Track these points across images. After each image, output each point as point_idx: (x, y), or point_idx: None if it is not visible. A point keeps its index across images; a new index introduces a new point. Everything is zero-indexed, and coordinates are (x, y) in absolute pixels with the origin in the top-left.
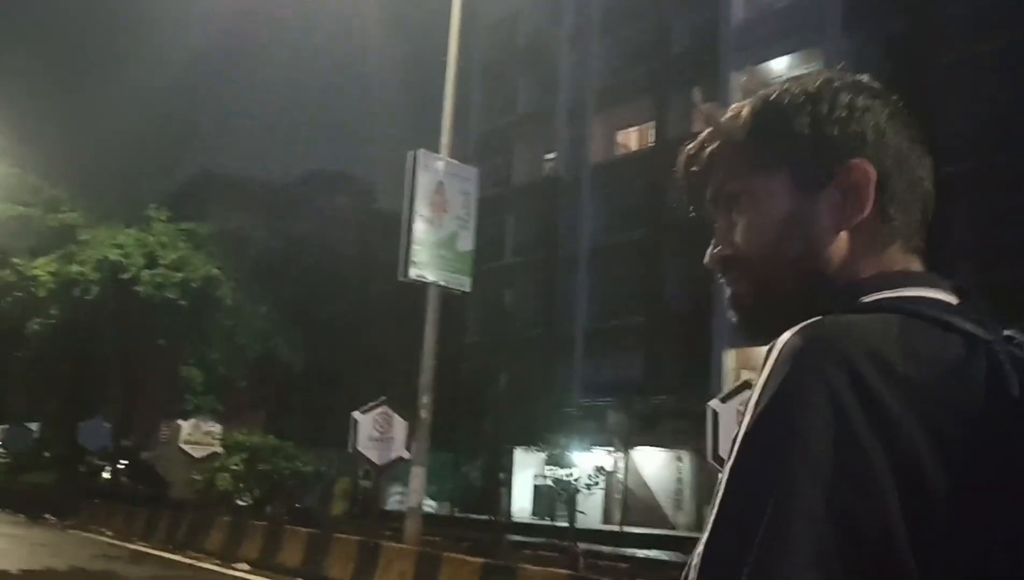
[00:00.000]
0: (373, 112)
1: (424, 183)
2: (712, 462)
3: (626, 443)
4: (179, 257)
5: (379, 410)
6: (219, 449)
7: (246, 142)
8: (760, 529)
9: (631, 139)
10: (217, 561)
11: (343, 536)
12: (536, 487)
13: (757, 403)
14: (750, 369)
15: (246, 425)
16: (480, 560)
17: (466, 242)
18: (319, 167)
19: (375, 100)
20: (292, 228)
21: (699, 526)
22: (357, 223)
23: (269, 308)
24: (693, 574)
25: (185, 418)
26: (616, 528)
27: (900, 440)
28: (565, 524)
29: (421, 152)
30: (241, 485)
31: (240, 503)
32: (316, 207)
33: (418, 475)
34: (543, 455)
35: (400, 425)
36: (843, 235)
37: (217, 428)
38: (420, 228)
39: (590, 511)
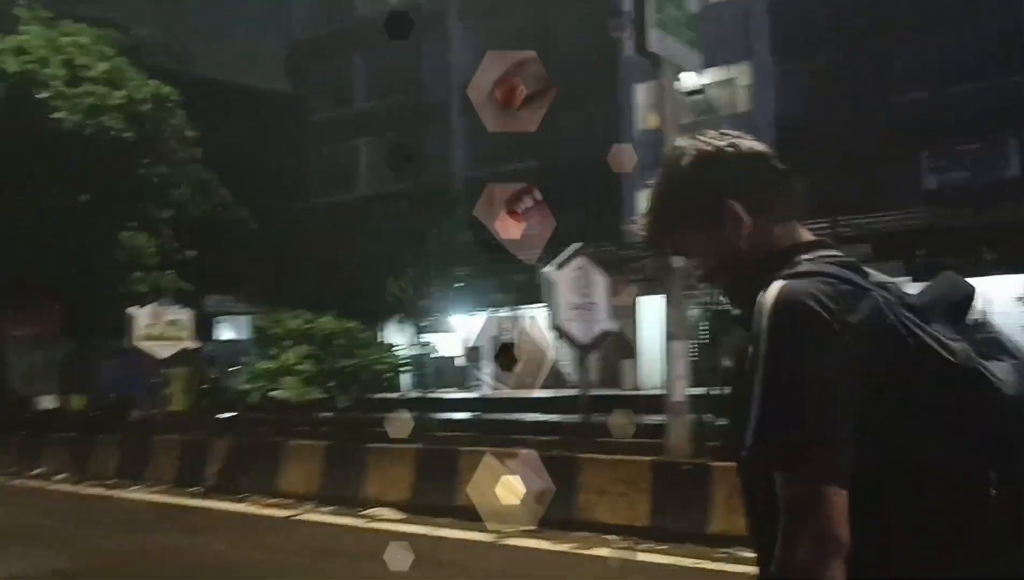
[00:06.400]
0: None
1: None
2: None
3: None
4: (112, 68)
5: (576, 263)
6: (191, 343)
7: None
8: (799, 393)
9: None
10: (298, 507)
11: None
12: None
13: (773, 328)
14: None
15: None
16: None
17: None
18: None
19: None
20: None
21: None
22: None
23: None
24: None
25: (140, 304)
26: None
27: (852, 342)
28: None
29: None
30: (311, 390)
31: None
32: None
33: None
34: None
35: (601, 284)
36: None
37: (186, 315)
38: None
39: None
